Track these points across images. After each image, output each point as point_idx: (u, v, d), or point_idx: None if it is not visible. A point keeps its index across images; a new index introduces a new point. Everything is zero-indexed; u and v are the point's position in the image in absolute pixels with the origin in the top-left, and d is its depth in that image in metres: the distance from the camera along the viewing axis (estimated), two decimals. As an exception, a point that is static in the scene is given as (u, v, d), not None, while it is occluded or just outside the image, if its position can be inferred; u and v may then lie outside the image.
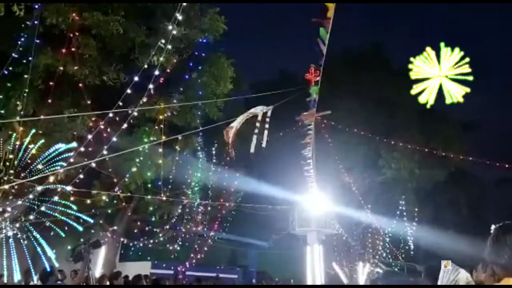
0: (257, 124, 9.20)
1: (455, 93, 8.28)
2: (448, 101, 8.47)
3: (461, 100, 8.26)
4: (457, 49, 8.07)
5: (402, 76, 18.40)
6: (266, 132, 9.32)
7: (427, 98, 8.61)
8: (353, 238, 19.38)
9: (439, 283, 2.21)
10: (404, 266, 19.11)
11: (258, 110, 9.12)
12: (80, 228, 13.17)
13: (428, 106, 8.82)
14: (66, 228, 13.50)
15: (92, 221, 13.42)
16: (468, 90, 8.10)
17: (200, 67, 11.16)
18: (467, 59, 7.92)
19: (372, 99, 17.51)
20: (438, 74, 8.22)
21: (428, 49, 8.23)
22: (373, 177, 18.33)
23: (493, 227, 2.02)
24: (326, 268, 13.98)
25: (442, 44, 7.98)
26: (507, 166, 12.47)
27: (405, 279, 3.54)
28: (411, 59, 8.29)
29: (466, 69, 7.97)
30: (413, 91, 8.76)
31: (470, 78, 7.98)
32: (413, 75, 8.47)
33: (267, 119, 9.23)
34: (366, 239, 19.86)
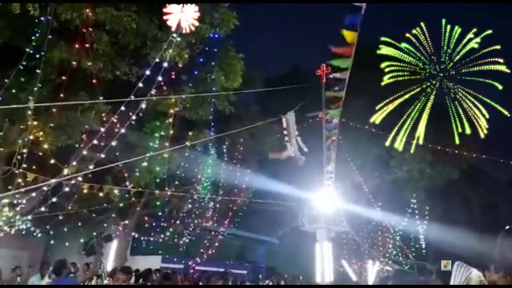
0: (285, 132, 9.32)
1: (478, 120, 7.18)
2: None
3: (485, 127, 6.86)
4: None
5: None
6: (299, 138, 9.45)
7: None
8: (363, 236, 19.31)
9: (451, 282, 2.19)
10: (415, 264, 18.98)
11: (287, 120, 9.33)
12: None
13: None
14: (79, 223, 13.76)
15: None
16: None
17: (211, 63, 11.19)
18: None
19: (382, 97, 17.36)
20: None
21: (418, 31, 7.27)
22: (384, 176, 18.22)
23: (507, 228, 2.01)
24: (335, 265, 13.96)
25: (443, 21, 7.20)
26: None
27: (415, 279, 3.52)
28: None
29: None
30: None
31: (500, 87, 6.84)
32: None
33: (293, 125, 9.34)
34: (376, 237, 19.78)
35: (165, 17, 6.54)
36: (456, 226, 16.77)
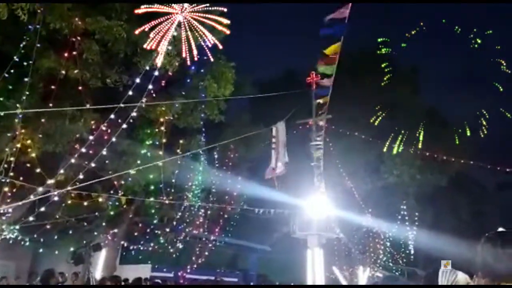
0: (273, 140, 9.44)
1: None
2: None
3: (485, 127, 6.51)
4: None
5: (405, 79, 18.49)
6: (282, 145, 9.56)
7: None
8: (354, 242, 19.34)
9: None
10: (405, 270, 19.08)
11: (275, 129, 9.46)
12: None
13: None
14: (70, 232, 13.57)
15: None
16: None
17: (201, 70, 11.20)
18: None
19: (374, 103, 17.47)
20: None
21: None
22: (375, 182, 18.31)
23: (487, 234, 2.03)
24: (326, 272, 13.95)
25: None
26: (507, 170, 12.50)
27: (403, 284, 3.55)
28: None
29: None
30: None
31: None
32: None
33: (283, 134, 9.46)
34: (366, 243, 19.83)
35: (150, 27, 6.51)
36: (445, 232, 16.92)
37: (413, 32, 17.86)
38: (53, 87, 8.65)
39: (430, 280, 2.19)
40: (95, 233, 14.12)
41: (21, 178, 9.15)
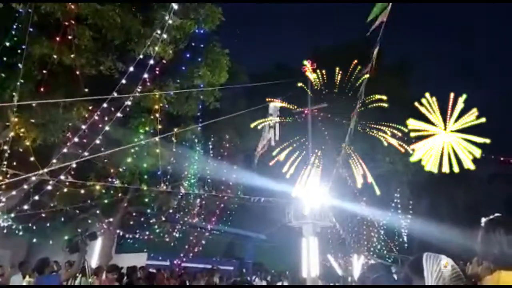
0: (271, 118, 9.69)
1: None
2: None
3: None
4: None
5: (396, 70, 18.49)
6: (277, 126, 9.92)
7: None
8: (348, 231, 19.50)
9: (425, 275, 2.23)
10: (398, 258, 19.28)
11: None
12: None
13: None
14: (65, 221, 13.55)
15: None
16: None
17: (197, 58, 11.10)
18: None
19: (366, 93, 17.40)
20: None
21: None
22: (369, 170, 18.36)
23: (483, 220, 2.02)
24: (321, 260, 14.07)
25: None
26: (501, 159, 12.62)
27: (385, 274, 3.60)
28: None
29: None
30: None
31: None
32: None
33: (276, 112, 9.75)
34: (361, 231, 20.00)
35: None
36: (439, 220, 17.07)
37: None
38: (45, 72, 8.52)
39: (415, 264, 2.21)
40: (91, 222, 14.12)
41: (15, 164, 9.10)
